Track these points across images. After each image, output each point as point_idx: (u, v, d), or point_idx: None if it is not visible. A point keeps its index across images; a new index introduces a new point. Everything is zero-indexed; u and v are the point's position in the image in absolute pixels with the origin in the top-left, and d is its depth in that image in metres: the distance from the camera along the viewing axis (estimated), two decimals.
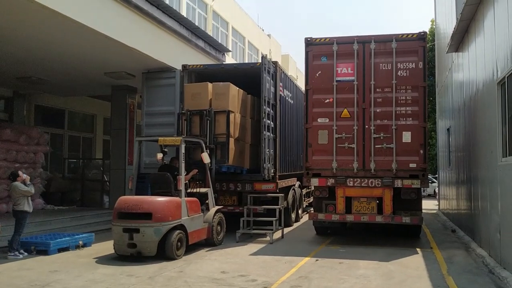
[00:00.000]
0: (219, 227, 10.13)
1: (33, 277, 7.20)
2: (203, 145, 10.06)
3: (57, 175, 16.77)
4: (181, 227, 8.83)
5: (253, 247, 9.91)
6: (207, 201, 10.07)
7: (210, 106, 11.11)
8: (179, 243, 8.67)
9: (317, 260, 8.48)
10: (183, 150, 9.26)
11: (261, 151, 11.35)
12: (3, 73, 13.31)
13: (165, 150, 10.16)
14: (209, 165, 10.27)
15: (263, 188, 11.50)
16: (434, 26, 21.79)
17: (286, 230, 11.66)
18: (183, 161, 9.25)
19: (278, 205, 11.09)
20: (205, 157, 9.85)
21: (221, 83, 11.35)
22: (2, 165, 12.92)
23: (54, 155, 17.30)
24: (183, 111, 11.41)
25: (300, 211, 14.47)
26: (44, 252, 8.98)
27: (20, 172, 9.25)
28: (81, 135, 19.62)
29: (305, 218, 14.36)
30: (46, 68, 12.87)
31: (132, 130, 15.04)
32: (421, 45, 10.17)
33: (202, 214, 9.70)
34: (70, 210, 14.31)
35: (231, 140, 11.06)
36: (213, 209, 10.03)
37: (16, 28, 9.50)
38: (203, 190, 10.13)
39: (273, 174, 11.68)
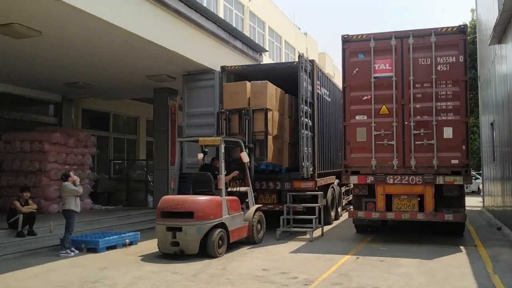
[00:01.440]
0: (259, 226, 10.23)
1: (84, 274, 7.56)
2: (242, 144, 10.21)
3: (103, 176, 17.42)
4: (222, 225, 8.96)
5: (293, 245, 10.00)
6: (247, 200, 10.21)
7: (249, 105, 11.29)
8: (220, 241, 8.79)
9: (357, 258, 8.49)
10: (222, 150, 9.40)
11: (300, 150, 11.41)
12: (53, 79, 14.00)
13: (206, 150, 10.37)
14: (248, 164, 10.39)
15: (302, 186, 11.57)
16: (474, 17, 21.12)
17: (326, 228, 11.69)
18: (223, 161, 9.42)
19: (317, 203, 11.12)
20: (244, 157, 9.99)
21: (259, 81, 11.50)
22: (53, 167, 13.59)
23: (100, 157, 17.96)
24: (222, 111, 11.64)
25: (339, 209, 14.43)
26: (93, 250, 9.40)
27: (71, 173, 9.73)
28: (125, 137, 20.27)
29: (344, 216, 14.32)
30: (92, 73, 13.43)
31: (174, 131, 15.42)
32: (461, 38, 9.96)
33: (242, 212, 9.82)
34: (116, 210, 14.86)
35: (269, 138, 11.19)
36: (253, 208, 10.15)
37: (63, 37, 9.99)
38: (242, 189, 10.28)
39: (312, 173, 11.72)
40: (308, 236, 10.55)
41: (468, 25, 11.88)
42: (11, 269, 7.86)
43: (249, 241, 9.95)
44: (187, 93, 13.42)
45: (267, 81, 11.46)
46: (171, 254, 8.70)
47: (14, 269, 7.90)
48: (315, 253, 8.94)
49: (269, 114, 11.19)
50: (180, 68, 12.99)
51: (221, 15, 18.32)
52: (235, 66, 12.88)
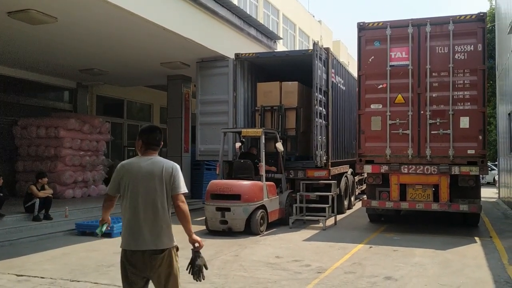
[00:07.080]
0: (290, 209, 11.03)
1: (100, 257, 7.68)
2: (277, 136, 10.91)
3: (117, 162, 17.43)
4: (263, 207, 9.88)
5: (306, 233, 10.01)
6: (280, 185, 11.01)
7: (281, 103, 12.10)
8: (261, 221, 9.77)
9: (370, 247, 8.46)
10: (263, 141, 10.19)
11: (314, 138, 11.38)
12: (68, 66, 14.09)
13: (243, 140, 11.10)
14: (282, 153, 11.07)
15: (316, 175, 11.59)
16: (492, 5, 20.74)
17: (339, 217, 11.67)
18: (263, 150, 10.20)
19: (330, 192, 11.13)
20: (279, 147, 10.66)
21: (290, 82, 12.38)
22: (68, 153, 13.72)
23: (114, 143, 18.09)
24: (257, 108, 12.53)
25: (352, 199, 14.39)
26: (108, 234, 9.44)
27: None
28: (139, 123, 20.35)
29: (357, 205, 14.28)
30: (106, 60, 13.48)
31: (187, 119, 15.48)
32: (480, 26, 9.76)
33: (278, 196, 10.68)
34: None
35: (299, 133, 12.07)
36: (285, 193, 11.03)
37: (79, 23, 10.01)
38: (277, 176, 11.12)
39: (325, 161, 11.70)
40: (321, 224, 10.54)
41: (487, 13, 11.59)
42: (28, 252, 8.00)
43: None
44: (201, 80, 13.41)
45: (297, 82, 12.33)
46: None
47: (31, 252, 8.04)
48: (328, 242, 8.94)
49: (299, 111, 12.07)
50: (195, 55, 12.97)
51: (235, 2, 18.20)
52: (249, 53, 12.84)
